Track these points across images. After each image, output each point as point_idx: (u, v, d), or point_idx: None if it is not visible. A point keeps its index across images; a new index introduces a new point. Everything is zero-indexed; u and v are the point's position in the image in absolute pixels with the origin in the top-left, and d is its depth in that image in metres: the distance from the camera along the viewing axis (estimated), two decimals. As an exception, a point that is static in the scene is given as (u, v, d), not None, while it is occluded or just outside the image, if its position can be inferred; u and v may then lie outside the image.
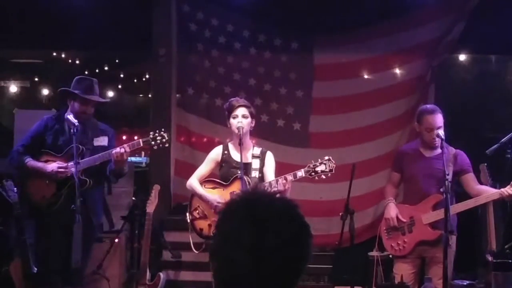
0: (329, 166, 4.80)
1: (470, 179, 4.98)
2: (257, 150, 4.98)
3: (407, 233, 4.98)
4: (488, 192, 4.86)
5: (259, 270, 1.59)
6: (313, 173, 4.80)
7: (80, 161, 4.84)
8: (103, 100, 5.26)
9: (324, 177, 4.83)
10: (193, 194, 5.01)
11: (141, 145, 4.90)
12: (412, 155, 5.10)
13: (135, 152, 5.05)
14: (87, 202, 4.88)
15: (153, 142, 4.90)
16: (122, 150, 4.79)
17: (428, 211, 4.91)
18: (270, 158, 5.00)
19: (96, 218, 5.14)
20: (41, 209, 4.98)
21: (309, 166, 4.80)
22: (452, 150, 4.99)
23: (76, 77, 5.13)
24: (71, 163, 4.84)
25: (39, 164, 4.99)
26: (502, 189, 4.80)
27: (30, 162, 5.01)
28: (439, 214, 4.78)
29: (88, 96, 4.99)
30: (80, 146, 4.89)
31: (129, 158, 5.03)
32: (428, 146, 5.01)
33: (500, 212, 5.88)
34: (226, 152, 4.99)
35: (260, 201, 1.68)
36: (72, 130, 4.72)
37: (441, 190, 4.54)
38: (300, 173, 4.79)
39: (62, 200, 4.91)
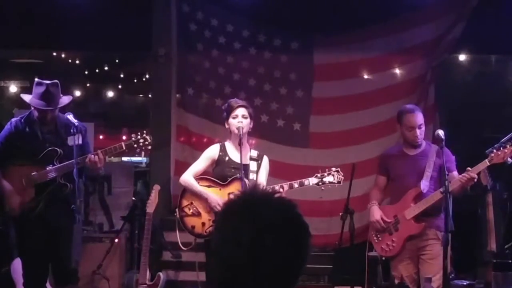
0: (337, 178, 4.91)
1: (452, 177, 4.85)
2: (254, 153, 4.98)
3: (394, 232, 5.00)
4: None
5: (258, 270, 1.59)
6: (320, 183, 4.89)
7: (55, 166, 4.76)
8: (60, 106, 4.90)
9: (330, 187, 4.91)
10: (185, 190, 4.94)
11: (124, 148, 4.79)
12: (396, 155, 5.15)
13: (134, 152, 4.99)
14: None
15: (135, 145, 4.82)
16: (96, 158, 4.67)
17: (409, 206, 4.93)
18: (266, 162, 5.03)
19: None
20: (20, 214, 4.83)
21: (316, 176, 4.88)
22: (435, 146, 5.00)
23: (36, 80, 4.85)
24: (49, 167, 4.77)
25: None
26: (460, 176, 4.72)
27: None
28: (420, 206, 4.87)
29: (40, 107, 4.76)
30: (58, 150, 4.78)
31: (129, 158, 4.98)
32: (411, 145, 5.05)
33: (500, 212, 5.89)
34: (223, 151, 4.96)
35: (259, 201, 1.68)
36: (72, 130, 4.63)
37: (441, 190, 4.54)
38: (307, 181, 4.86)
39: (42, 205, 4.78)
